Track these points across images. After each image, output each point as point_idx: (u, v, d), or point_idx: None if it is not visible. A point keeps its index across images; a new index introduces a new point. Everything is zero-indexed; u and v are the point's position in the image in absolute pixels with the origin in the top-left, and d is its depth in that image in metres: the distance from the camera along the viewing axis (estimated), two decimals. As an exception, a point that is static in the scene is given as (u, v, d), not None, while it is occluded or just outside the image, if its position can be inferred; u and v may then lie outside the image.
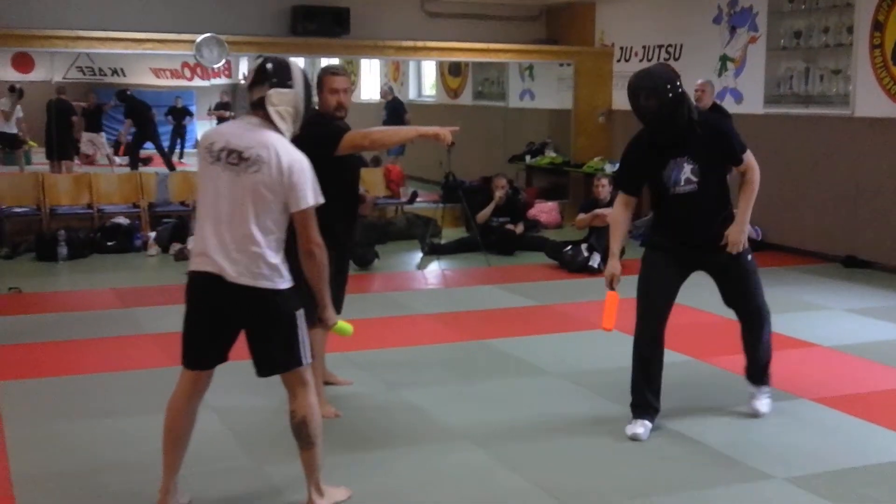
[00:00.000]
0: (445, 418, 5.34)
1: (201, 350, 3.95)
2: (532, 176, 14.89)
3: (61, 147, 15.39)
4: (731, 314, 7.12)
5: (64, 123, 15.55)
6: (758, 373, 5.39)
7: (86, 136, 17.45)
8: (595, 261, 9.62)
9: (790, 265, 10.05)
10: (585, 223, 10.03)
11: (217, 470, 4.60)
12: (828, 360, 6.56)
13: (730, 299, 5.30)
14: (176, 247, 10.57)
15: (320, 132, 4.97)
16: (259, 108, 3.87)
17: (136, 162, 16.76)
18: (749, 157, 5.08)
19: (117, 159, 19.82)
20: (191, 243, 10.41)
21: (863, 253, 9.95)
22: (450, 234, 11.48)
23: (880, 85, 9.70)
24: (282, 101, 3.85)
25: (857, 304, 8.23)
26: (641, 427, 5.03)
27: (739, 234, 4.99)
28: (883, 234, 9.77)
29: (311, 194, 3.82)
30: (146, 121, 17.16)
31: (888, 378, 6.19)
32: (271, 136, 3.83)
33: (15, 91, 16.46)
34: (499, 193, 11.00)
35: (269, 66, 3.88)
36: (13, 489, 4.39)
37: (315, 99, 4.88)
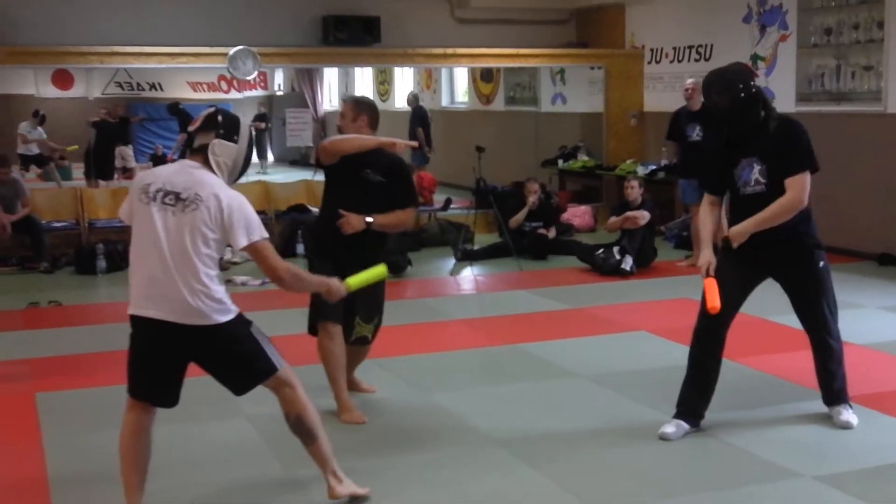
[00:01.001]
0: (477, 422, 5.38)
1: (151, 388, 4.00)
2: (565, 180, 14.89)
3: (103, 167, 15.54)
4: (760, 312, 7.15)
5: (107, 144, 15.73)
6: (832, 394, 5.26)
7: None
8: (627, 263, 9.63)
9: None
10: (617, 226, 10.04)
11: (250, 477, 4.68)
12: (860, 358, 6.52)
13: (796, 308, 5.21)
14: (212, 257, 10.69)
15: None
16: (199, 154, 3.94)
17: None
18: (802, 178, 4.91)
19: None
20: (227, 254, 10.65)
21: (898, 250, 9.88)
22: (482, 239, 11.53)
23: (912, 80, 9.65)
24: (223, 153, 3.93)
25: (891, 302, 8.18)
26: (673, 427, 5.04)
27: (739, 231, 4.90)
28: (918, 231, 9.70)
29: (252, 231, 3.84)
30: None
31: (921, 375, 6.16)
32: (209, 177, 3.88)
33: (37, 116, 16.71)
34: (531, 199, 11.02)
35: (219, 117, 3.97)
36: (50, 493, 4.51)
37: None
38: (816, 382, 5.32)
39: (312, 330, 5.42)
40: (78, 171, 17.24)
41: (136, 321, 3.92)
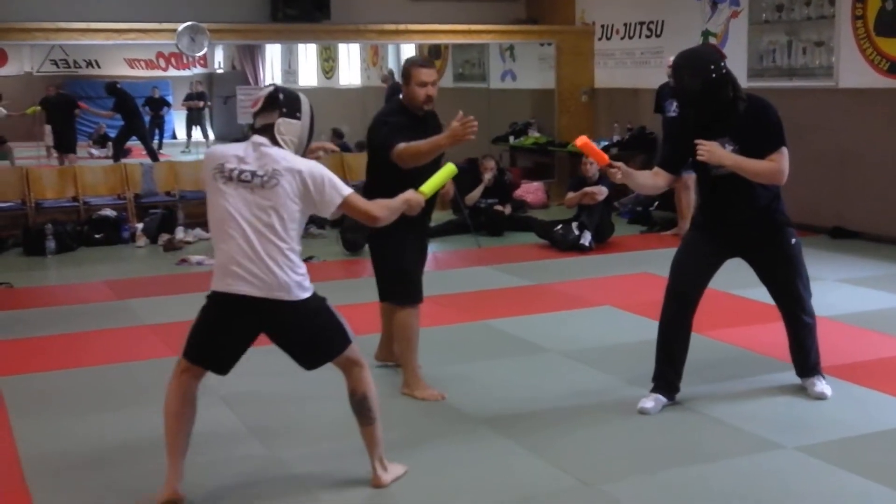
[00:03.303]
0: (453, 399, 5.35)
1: (216, 354, 4.02)
2: (516, 156, 14.90)
3: (66, 141, 15.51)
4: (728, 287, 7.21)
5: (66, 117, 15.64)
6: (806, 367, 5.30)
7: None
8: (586, 239, 9.66)
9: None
10: (575, 201, 10.06)
11: (233, 458, 4.60)
12: (826, 331, 6.55)
13: (770, 286, 5.23)
14: (164, 237, 10.53)
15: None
16: (264, 134, 3.96)
17: (119, 155, 16.69)
18: (782, 154, 4.95)
19: (95, 152, 19.72)
20: (180, 234, 10.49)
21: (850, 224, 10.03)
22: (438, 216, 11.44)
23: (863, 56, 9.77)
24: (289, 132, 3.98)
25: (848, 275, 8.31)
26: (652, 402, 5.06)
27: (714, 151, 4.79)
28: (869, 205, 9.85)
29: (342, 189, 3.95)
30: (134, 114, 17.04)
31: (888, 346, 6.26)
32: (281, 153, 3.93)
33: None
34: (488, 175, 11.00)
35: (280, 95, 4.00)
36: (25, 476, 4.42)
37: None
38: (789, 355, 5.37)
39: (394, 298, 5.53)
40: (20, 149, 17.01)
41: (220, 297, 3.92)
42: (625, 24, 13.14)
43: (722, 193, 5.03)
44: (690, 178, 9.77)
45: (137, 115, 17.23)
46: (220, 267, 3.93)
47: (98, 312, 7.58)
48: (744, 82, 10.84)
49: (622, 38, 13.19)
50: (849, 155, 10.02)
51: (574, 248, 9.66)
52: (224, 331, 3.97)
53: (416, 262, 5.53)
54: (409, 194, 4.25)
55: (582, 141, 5.07)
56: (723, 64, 4.89)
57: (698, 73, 4.83)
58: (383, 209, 4.13)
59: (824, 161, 10.23)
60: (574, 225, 9.86)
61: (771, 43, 10.80)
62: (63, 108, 15.72)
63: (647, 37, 12.70)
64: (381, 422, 4.18)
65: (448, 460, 4.56)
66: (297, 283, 3.89)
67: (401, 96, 5.45)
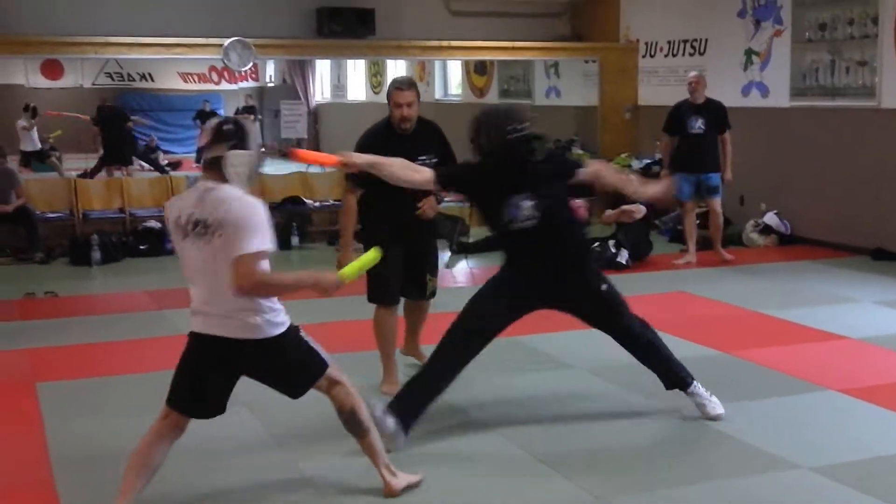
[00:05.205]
0: (479, 414, 5.42)
1: (197, 401, 4.03)
2: (559, 173, 14.89)
3: (118, 153, 15.61)
4: (754, 305, 7.21)
5: (118, 129, 15.77)
6: (680, 378, 5.27)
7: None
8: (623, 257, 9.67)
9: (818, 258, 10.05)
10: (612, 219, 10.02)
11: (254, 464, 4.71)
12: (856, 352, 6.58)
13: (606, 330, 5.28)
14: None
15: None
16: (214, 168, 3.89)
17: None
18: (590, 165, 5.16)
19: (144, 164, 19.97)
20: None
21: (891, 245, 9.93)
22: (478, 232, 11.52)
23: (906, 76, 9.71)
24: (240, 163, 3.88)
25: (885, 297, 8.23)
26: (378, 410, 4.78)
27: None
28: (911, 226, 9.77)
29: (244, 244, 3.76)
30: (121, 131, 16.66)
31: (916, 368, 6.22)
32: (226, 193, 3.84)
33: (28, 110, 16.68)
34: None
35: (228, 127, 3.92)
36: (54, 475, 4.60)
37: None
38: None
39: (370, 298, 5.90)
40: (69, 161, 17.24)
41: (195, 337, 3.97)
42: (668, 42, 13.14)
43: (526, 245, 4.99)
44: (686, 204, 9.85)
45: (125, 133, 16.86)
46: (194, 308, 3.96)
47: (137, 321, 7.75)
48: (786, 101, 10.95)
49: (666, 56, 13.20)
50: (890, 175, 9.94)
51: (611, 265, 9.65)
52: (204, 371, 3.98)
53: (394, 268, 5.65)
54: (323, 276, 4.03)
55: (297, 156, 5.14)
56: (523, 126, 4.88)
57: (495, 132, 4.86)
58: (277, 284, 3.93)
59: (866, 181, 10.16)
60: (611, 243, 9.88)
61: (814, 62, 10.75)
62: (115, 120, 15.89)
63: (691, 54, 12.69)
64: (375, 430, 4.25)
65: (462, 471, 4.63)
66: (267, 321, 3.89)
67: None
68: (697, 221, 10.42)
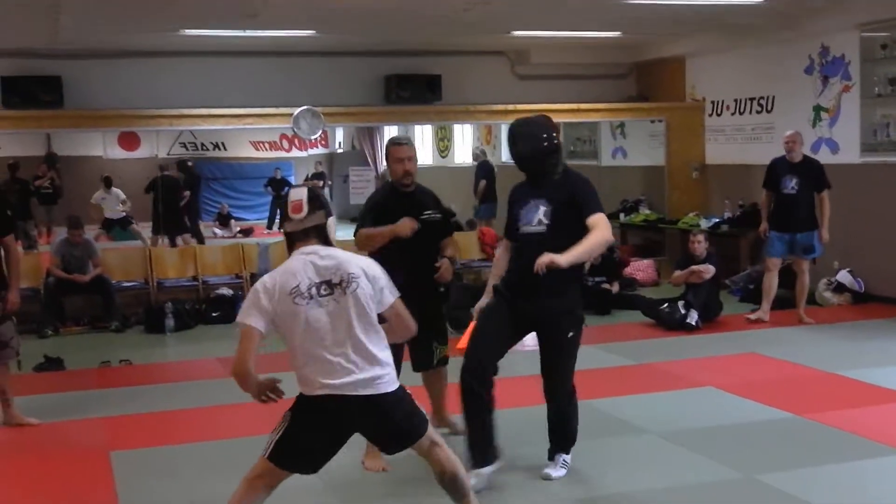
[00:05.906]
0: (539, 478, 5.38)
1: (308, 460, 4.07)
2: (627, 233, 14.87)
3: (169, 223, 15.79)
4: (829, 366, 7.05)
5: (171, 199, 15.98)
6: (560, 446, 5.45)
7: None
8: (693, 318, 9.56)
9: (893, 317, 9.85)
10: (682, 279, 9.99)
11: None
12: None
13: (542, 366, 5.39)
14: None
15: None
16: (312, 234, 4.04)
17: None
18: (600, 218, 5.20)
19: (218, 231, 20.28)
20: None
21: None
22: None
23: (980, 129, 9.55)
24: (334, 228, 4.14)
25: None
26: (474, 478, 4.86)
27: (548, 259, 4.79)
28: None
29: (393, 289, 4.09)
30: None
31: None
32: (340, 254, 4.04)
33: (103, 180, 16.97)
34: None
35: (320, 197, 4.12)
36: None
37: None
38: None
39: None
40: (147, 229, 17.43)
41: (315, 400, 3.97)
42: (735, 100, 13.08)
43: (526, 252, 5.08)
44: (772, 261, 9.68)
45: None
46: (313, 377, 3.96)
47: (208, 389, 7.83)
48: (857, 157, 10.79)
49: (732, 114, 13.13)
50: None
51: (681, 327, 9.57)
52: (321, 432, 3.99)
53: None
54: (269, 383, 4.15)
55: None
56: (554, 135, 5.17)
57: (530, 140, 5.15)
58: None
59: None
60: (681, 304, 9.78)
61: (884, 117, 10.62)
62: (170, 190, 15.97)
63: (758, 112, 12.62)
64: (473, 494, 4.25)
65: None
66: (389, 374, 3.99)
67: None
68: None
